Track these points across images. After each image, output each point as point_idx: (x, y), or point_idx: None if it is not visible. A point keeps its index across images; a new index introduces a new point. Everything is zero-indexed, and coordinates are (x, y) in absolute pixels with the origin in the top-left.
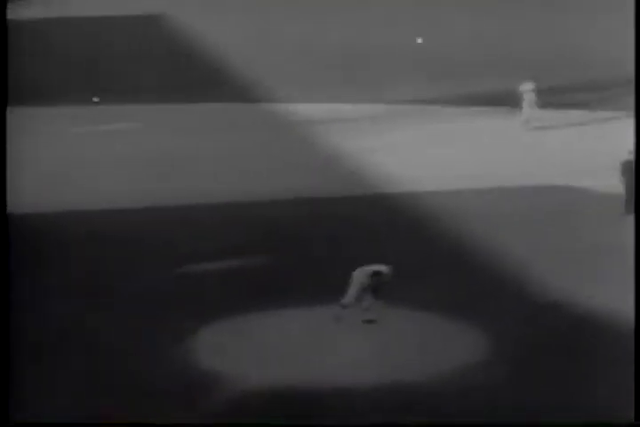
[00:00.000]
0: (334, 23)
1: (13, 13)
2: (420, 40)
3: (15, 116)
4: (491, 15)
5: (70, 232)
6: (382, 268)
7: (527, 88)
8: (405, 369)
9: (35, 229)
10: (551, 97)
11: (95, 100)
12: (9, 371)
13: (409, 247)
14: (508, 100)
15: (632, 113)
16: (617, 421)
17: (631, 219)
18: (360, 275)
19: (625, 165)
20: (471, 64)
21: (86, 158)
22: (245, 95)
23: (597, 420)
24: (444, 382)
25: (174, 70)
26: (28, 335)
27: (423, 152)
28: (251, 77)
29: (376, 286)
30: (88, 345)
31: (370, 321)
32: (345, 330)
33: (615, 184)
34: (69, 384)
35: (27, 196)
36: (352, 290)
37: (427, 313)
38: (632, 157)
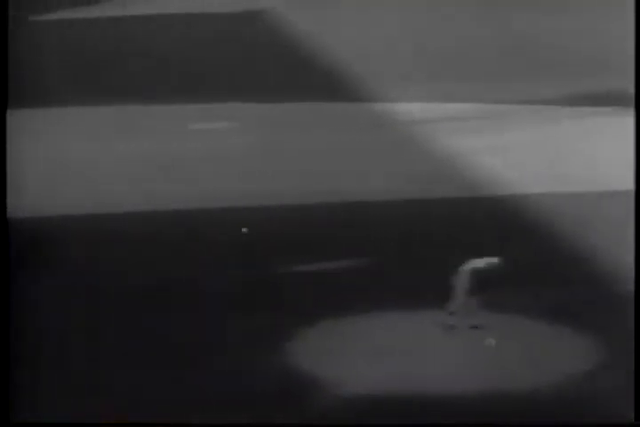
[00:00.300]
0: (442, 20)
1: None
2: None
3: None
4: (596, 13)
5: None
6: (482, 262)
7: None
8: (509, 377)
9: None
10: None
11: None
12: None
13: (514, 250)
14: (618, 101)
15: None
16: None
17: None
18: (461, 275)
19: None
20: (577, 63)
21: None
22: (349, 94)
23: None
24: (549, 391)
25: (274, 69)
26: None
27: (529, 153)
28: (354, 76)
29: (477, 285)
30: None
31: (474, 327)
32: (447, 335)
33: None
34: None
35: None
36: (456, 294)
37: (531, 319)
38: None
